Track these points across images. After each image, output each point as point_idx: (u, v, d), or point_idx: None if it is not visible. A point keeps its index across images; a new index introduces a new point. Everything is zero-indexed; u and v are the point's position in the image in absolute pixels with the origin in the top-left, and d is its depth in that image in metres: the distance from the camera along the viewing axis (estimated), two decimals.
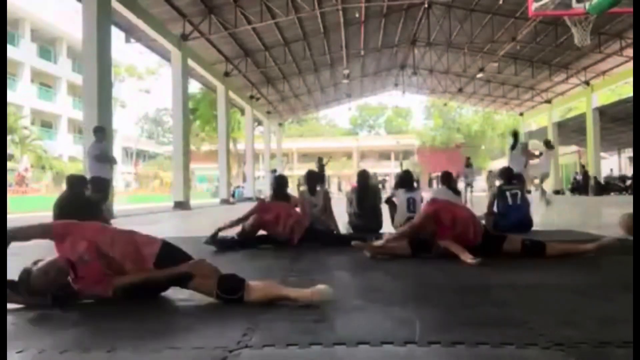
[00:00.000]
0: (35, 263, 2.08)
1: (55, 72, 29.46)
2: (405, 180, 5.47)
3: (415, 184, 5.65)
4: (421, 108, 55.08)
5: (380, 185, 11.11)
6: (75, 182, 5.44)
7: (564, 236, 4.73)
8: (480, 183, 21.74)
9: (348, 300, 2.24)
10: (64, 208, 5.13)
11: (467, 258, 2.97)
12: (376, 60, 22.28)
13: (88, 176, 6.42)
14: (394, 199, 5.38)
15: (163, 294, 2.27)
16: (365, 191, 5.39)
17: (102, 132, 7.09)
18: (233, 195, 20.97)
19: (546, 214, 8.04)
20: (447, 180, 5.68)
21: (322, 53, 18.52)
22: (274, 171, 19.58)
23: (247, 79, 19.39)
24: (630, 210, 4.28)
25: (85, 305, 2.15)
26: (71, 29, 27.38)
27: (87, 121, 9.00)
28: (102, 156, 6.70)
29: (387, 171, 37.37)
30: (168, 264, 2.10)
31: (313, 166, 12.54)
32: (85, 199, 5.30)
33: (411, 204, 5.12)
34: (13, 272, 2.34)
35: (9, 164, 19.82)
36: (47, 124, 29.72)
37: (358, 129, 58.44)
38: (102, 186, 6.36)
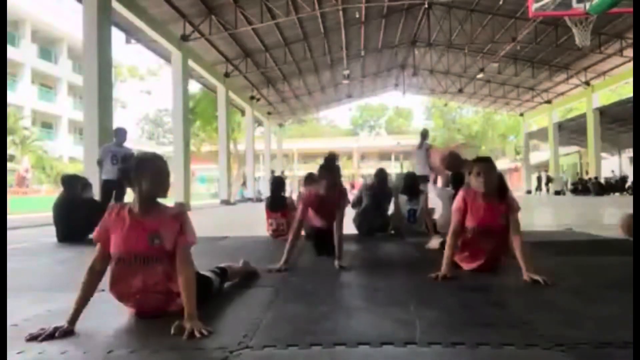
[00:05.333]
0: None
1: (55, 72, 29.51)
2: (408, 187, 5.19)
3: (420, 187, 5.43)
4: (422, 108, 55.04)
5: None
6: (70, 182, 5.37)
7: (564, 237, 4.74)
8: None
9: (348, 300, 2.24)
10: (61, 209, 5.12)
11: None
12: (376, 61, 22.29)
13: (103, 178, 6.35)
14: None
15: None
16: (385, 192, 5.26)
17: (124, 135, 6.70)
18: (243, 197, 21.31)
19: None
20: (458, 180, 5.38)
21: (322, 53, 18.51)
22: (273, 172, 19.75)
23: (248, 80, 19.38)
24: (630, 210, 4.28)
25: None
26: (71, 30, 27.45)
27: (88, 122, 9.00)
28: (117, 160, 6.42)
29: (387, 171, 37.30)
30: None
31: (313, 167, 12.55)
32: (81, 200, 5.24)
33: (412, 216, 5.07)
34: (13, 272, 2.36)
35: (10, 165, 19.83)
36: (47, 124, 29.76)
37: (359, 129, 58.46)
38: (113, 188, 6.25)
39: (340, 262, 3.07)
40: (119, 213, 1.92)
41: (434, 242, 3.85)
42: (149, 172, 1.89)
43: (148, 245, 1.86)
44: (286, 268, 2.99)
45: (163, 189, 1.95)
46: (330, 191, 3.24)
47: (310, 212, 3.32)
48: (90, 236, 5.35)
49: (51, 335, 1.66)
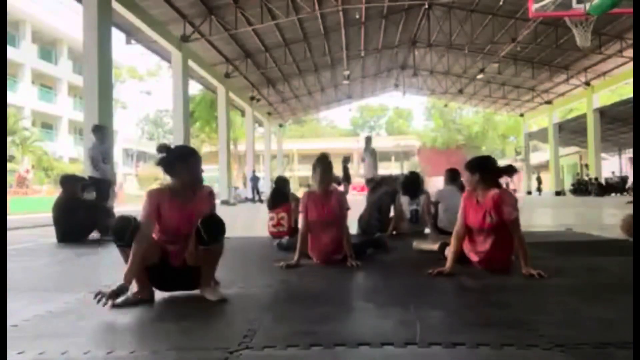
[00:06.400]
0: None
1: (55, 73, 29.48)
2: (410, 186, 5.12)
3: (421, 187, 5.39)
4: (421, 109, 55.12)
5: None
6: (67, 182, 5.35)
7: (564, 237, 4.74)
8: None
9: (348, 300, 2.24)
10: (61, 210, 5.11)
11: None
12: (376, 61, 22.29)
13: (88, 176, 6.32)
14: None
15: (164, 295, 2.27)
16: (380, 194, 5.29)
17: (102, 132, 6.57)
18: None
19: None
20: (454, 178, 5.13)
21: (322, 54, 18.52)
22: (254, 171, 20.60)
23: (248, 80, 19.39)
24: (630, 211, 4.29)
25: (84, 306, 2.15)
26: (71, 30, 27.44)
27: (88, 122, 8.98)
28: (105, 159, 6.36)
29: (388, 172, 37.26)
30: None
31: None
32: (80, 200, 5.22)
33: (414, 216, 5.04)
34: (13, 272, 2.34)
35: (10, 165, 19.83)
36: (47, 125, 29.73)
37: (359, 129, 58.43)
38: (104, 187, 6.21)
39: (352, 260, 3.12)
40: (159, 195, 2.24)
41: (428, 245, 3.67)
42: (192, 163, 2.26)
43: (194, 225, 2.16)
44: (298, 264, 3.12)
45: (201, 178, 2.34)
46: (325, 191, 3.29)
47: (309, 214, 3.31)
48: (90, 237, 5.32)
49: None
